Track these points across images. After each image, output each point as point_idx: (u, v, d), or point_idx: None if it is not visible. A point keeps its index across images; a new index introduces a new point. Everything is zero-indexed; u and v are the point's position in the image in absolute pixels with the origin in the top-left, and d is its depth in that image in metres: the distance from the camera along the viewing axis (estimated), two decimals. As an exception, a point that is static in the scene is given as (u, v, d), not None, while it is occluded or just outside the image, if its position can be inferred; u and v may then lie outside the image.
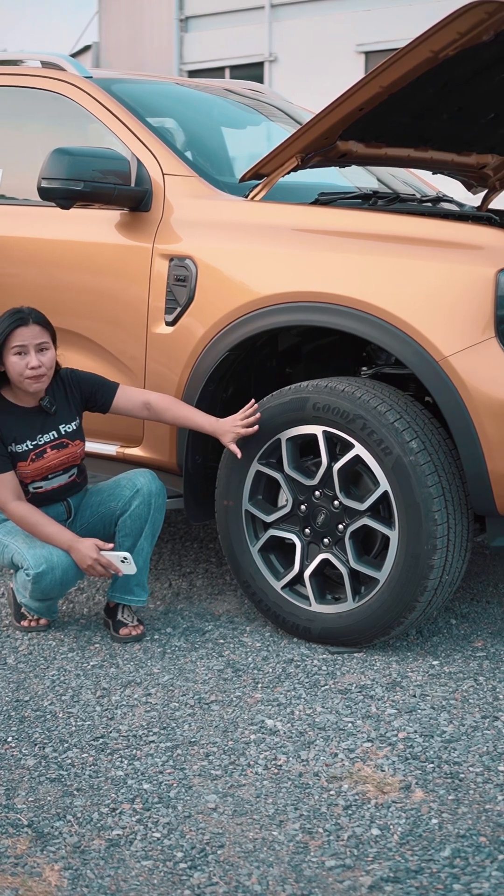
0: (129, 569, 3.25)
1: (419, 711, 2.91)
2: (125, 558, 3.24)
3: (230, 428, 3.29)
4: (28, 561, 3.26)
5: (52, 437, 3.40)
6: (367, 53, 18.83)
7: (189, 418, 3.36)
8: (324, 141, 3.41)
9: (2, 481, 3.32)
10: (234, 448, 3.29)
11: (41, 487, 3.42)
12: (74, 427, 3.44)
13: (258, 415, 3.28)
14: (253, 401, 3.31)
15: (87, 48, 24.43)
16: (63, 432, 3.41)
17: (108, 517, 3.43)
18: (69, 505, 3.50)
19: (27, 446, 3.36)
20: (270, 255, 3.34)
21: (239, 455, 3.30)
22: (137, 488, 3.37)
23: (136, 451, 3.69)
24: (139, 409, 3.44)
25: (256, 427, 3.27)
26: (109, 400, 3.44)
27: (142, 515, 3.36)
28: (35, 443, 3.37)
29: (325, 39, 19.08)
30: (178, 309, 3.47)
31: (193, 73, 21.01)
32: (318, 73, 18.63)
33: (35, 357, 3.27)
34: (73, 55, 23.47)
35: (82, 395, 3.45)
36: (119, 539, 3.39)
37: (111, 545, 3.29)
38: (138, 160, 3.63)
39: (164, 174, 3.61)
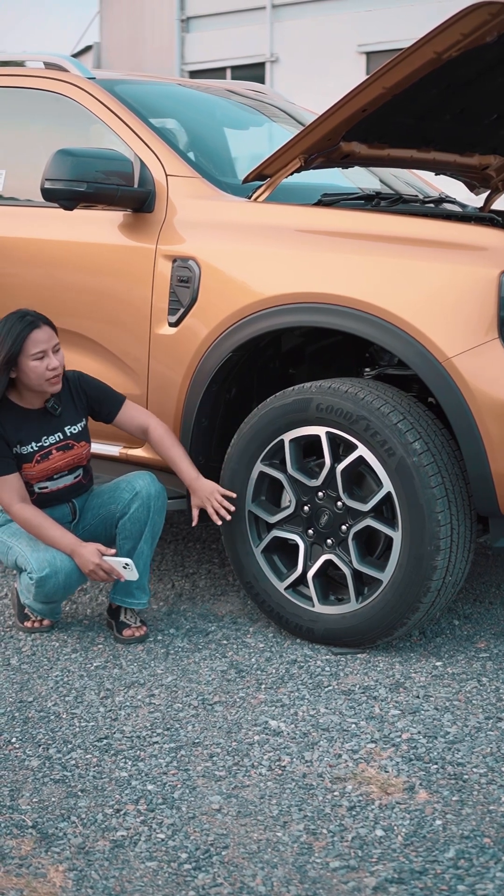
0: (131, 575, 3.25)
1: (423, 712, 2.91)
2: (127, 564, 3.24)
3: (205, 495, 3.34)
4: (31, 564, 3.26)
5: (58, 439, 3.39)
6: (368, 54, 18.84)
7: (175, 463, 3.40)
8: (327, 142, 3.41)
9: (6, 483, 3.32)
10: (194, 514, 3.36)
11: (46, 487, 3.42)
12: (80, 428, 3.44)
13: (234, 508, 3.34)
14: (235, 495, 3.36)
15: (88, 48, 24.45)
16: (69, 434, 3.41)
17: (108, 519, 3.43)
18: (74, 506, 3.50)
19: (32, 448, 3.36)
20: (274, 256, 3.34)
21: (194, 523, 3.37)
22: (136, 491, 3.37)
23: (138, 452, 3.69)
24: (136, 431, 3.48)
25: (227, 516, 3.32)
26: (114, 412, 3.46)
27: (141, 518, 3.36)
28: (40, 444, 3.37)
29: (326, 40, 19.10)
30: (182, 310, 3.47)
31: (195, 74, 21.02)
32: (319, 73, 18.65)
33: (53, 358, 3.28)
34: (75, 55, 23.51)
35: (88, 400, 3.45)
36: (119, 542, 3.39)
37: (113, 550, 3.29)
38: (141, 161, 3.63)
39: (167, 175, 3.61)
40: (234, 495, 3.35)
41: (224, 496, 3.34)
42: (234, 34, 20.54)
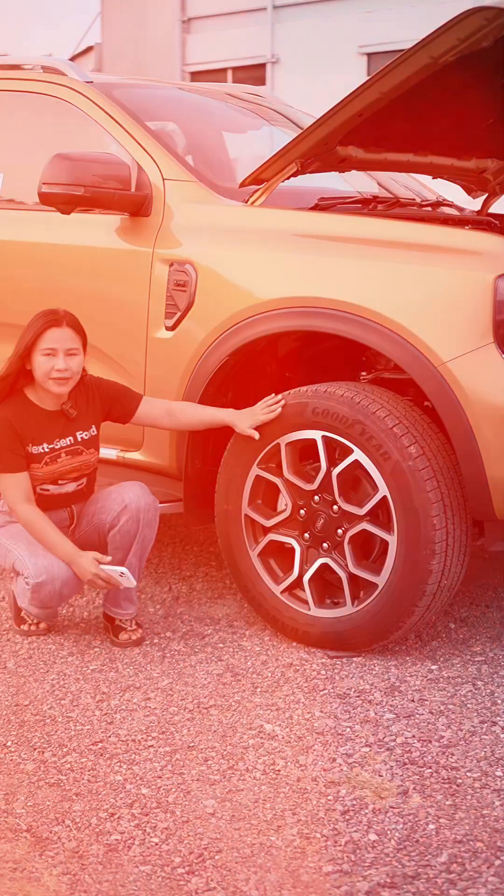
0: (129, 582, 3.25)
1: (417, 716, 2.91)
2: (123, 573, 3.24)
3: (248, 416, 3.31)
4: (29, 569, 3.26)
5: (69, 442, 3.39)
6: (369, 55, 18.85)
7: (211, 419, 3.38)
8: (323, 146, 3.41)
9: (15, 480, 3.31)
10: (250, 431, 3.30)
11: (48, 490, 3.42)
12: (91, 435, 3.43)
13: (282, 403, 3.27)
14: (275, 394, 3.31)
15: (89, 49, 24.46)
16: (79, 438, 3.40)
17: (100, 528, 3.42)
18: (73, 512, 3.50)
19: (43, 448, 3.36)
20: (270, 260, 3.35)
21: (257, 436, 3.29)
22: (125, 504, 3.35)
23: (136, 456, 3.70)
24: (162, 417, 3.44)
25: (278, 410, 3.26)
26: (131, 410, 3.44)
27: (130, 531, 3.35)
28: (51, 446, 3.37)
29: (327, 41, 19.10)
30: (178, 314, 3.47)
31: (196, 75, 21.03)
32: (320, 74, 18.65)
33: (63, 360, 3.27)
34: (76, 56, 23.54)
35: (103, 403, 3.45)
36: (110, 551, 3.38)
37: (109, 559, 3.29)
38: (139, 165, 3.64)
39: (164, 179, 3.62)
40: (279, 397, 3.29)
41: (265, 406, 3.29)
42: (235, 35, 20.53)
